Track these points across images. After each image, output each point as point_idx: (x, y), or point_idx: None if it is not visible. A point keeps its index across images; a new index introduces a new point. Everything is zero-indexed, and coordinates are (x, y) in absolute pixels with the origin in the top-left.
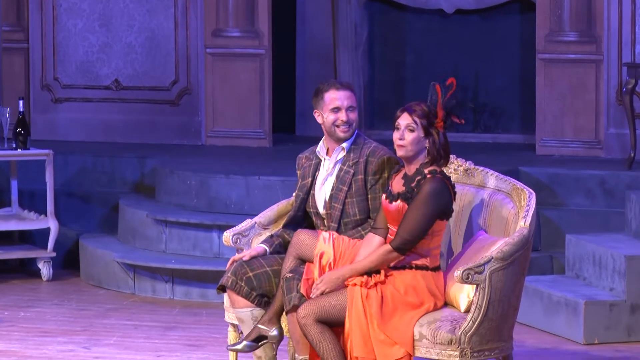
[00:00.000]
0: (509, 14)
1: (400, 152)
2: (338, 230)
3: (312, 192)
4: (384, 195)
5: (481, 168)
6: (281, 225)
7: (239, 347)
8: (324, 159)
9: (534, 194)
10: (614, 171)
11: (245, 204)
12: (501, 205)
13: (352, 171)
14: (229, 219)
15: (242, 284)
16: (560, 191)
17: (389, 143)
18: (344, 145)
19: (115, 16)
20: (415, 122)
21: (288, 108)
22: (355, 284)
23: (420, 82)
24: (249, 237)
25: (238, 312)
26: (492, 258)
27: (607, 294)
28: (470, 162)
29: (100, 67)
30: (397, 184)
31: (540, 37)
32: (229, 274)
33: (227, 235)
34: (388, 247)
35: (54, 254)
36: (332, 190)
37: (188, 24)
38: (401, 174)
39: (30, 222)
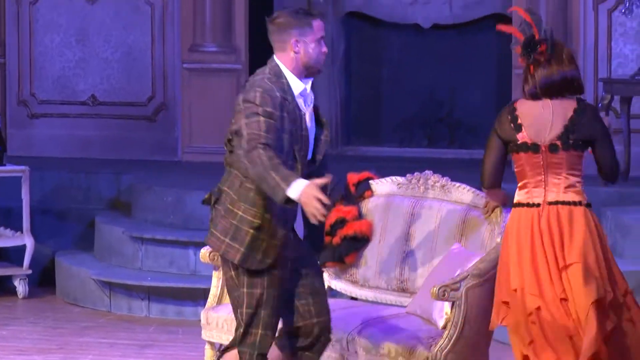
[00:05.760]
0: (485, 29)
1: None
2: None
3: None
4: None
5: (457, 184)
6: None
7: None
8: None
9: (509, 210)
10: (590, 186)
11: None
12: (477, 222)
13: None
14: (205, 236)
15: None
16: None
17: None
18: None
19: (92, 31)
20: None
21: None
22: None
23: (397, 98)
24: None
25: None
26: (468, 275)
27: None
28: (447, 178)
29: (77, 82)
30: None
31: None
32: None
33: (204, 252)
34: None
35: (29, 272)
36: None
37: (165, 39)
38: None
39: (6, 239)
